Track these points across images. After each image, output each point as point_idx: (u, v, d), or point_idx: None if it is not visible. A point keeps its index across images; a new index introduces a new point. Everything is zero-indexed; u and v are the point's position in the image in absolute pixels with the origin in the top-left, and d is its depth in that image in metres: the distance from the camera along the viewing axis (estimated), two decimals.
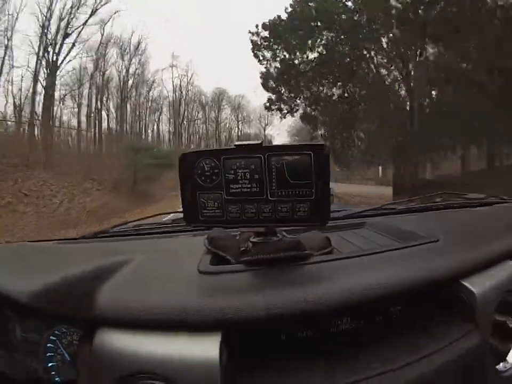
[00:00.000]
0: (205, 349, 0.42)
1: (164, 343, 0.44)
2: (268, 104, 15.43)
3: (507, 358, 0.54)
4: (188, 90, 35.59)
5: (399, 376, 0.46)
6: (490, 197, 1.18)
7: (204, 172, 0.54)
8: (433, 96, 11.94)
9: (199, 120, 38.75)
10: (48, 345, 0.56)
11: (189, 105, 36.69)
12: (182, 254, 0.71)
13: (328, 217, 0.54)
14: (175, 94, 34.53)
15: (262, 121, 47.64)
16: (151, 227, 1.03)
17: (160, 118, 32.09)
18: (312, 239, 0.65)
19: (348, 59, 12.72)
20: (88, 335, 0.48)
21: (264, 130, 48.14)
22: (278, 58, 14.18)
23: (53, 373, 0.55)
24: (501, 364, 0.54)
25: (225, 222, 0.55)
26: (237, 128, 45.32)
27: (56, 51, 16.58)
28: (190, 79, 35.15)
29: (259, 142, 0.52)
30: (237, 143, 0.54)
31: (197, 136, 39.84)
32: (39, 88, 15.90)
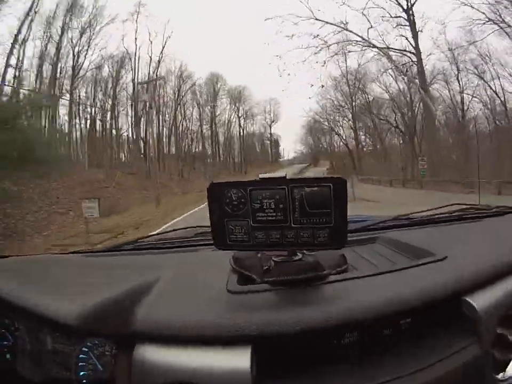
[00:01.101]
0: (237, 361, 0.48)
1: (200, 355, 0.49)
2: None
3: (507, 368, 0.58)
4: (162, 59, 26.00)
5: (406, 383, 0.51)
6: (501, 206, 1.19)
7: (232, 201, 0.58)
8: None
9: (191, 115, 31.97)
10: (81, 356, 0.59)
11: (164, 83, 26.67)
12: (209, 270, 0.76)
13: (345, 241, 0.59)
14: (138, 55, 24.59)
15: (267, 118, 41.53)
16: (174, 241, 1.06)
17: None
18: (329, 258, 0.70)
19: None
20: (126, 347, 0.53)
21: (270, 128, 42.02)
22: None
23: (84, 381, 0.58)
24: (501, 373, 0.57)
25: (252, 246, 0.60)
26: (237, 125, 38.37)
27: None
28: (165, 41, 25.81)
29: (283, 175, 0.58)
30: (261, 176, 0.59)
31: (186, 128, 32.42)
32: None
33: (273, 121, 43.51)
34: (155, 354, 0.51)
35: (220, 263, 0.73)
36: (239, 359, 0.48)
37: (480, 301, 0.58)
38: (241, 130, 41.51)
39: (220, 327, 0.51)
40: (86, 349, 0.59)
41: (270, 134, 45.25)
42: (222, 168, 35.43)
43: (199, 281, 0.70)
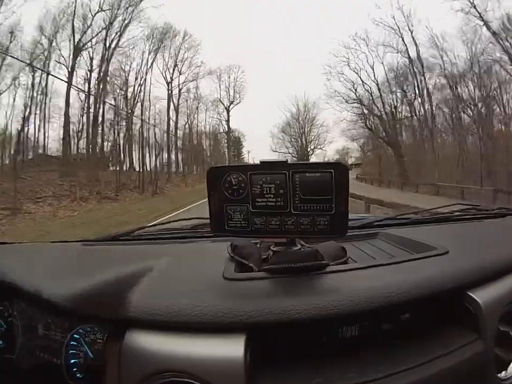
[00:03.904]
0: (230, 349, 0.46)
1: (191, 343, 0.48)
2: None
3: (509, 367, 0.57)
4: None
5: (404, 379, 0.49)
6: (503, 208, 1.19)
7: (232, 186, 0.58)
8: None
9: None
10: (72, 343, 0.58)
11: None
12: (205, 259, 0.75)
13: (346, 230, 0.57)
14: None
15: (223, 97, 24.90)
16: (172, 232, 1.05)
17: None
18: (328, 249, 0.68)
19: None
20: (117, 334, 0.51)
21: (228, 112, 25.01)
22: None
23: (74, 369, 0.57)
24: (503, 372, 0.57)
25: (250, 232, 0.59)
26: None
27: None
28: None
29: (284, 160, 0.57)
30: (262, 159, 0.58)
31: None
32: None
33: (233, 102, 25.88)
34: (145, 341, 0.49)
35: (217, 253, 0.72)
36: (232, 347, 0.47)
37: (483, 296, 0.57)
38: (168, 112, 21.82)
39: (213, 313, 0.49)
40: (77, 336, 0.58)
41: (228, 123, 25.81)
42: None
43: (195, 269, 0.69)
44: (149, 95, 22.40)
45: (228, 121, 26.35)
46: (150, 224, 1.16)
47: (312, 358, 0.52)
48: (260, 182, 0.57)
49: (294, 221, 0.57)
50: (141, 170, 20.36)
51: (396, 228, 0.98)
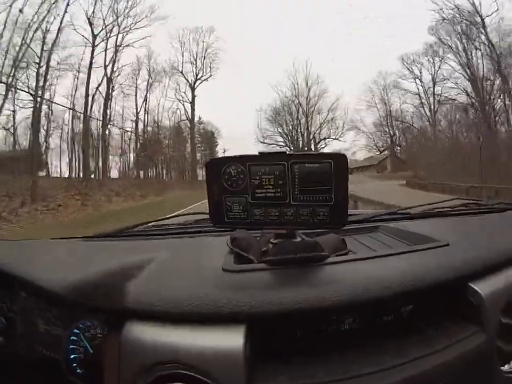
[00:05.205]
0: (230, 340, 0.46)
1: (191, 334, 0.47)
2: None
3: None
4: None
5: (407, 371, 0.49)
6: (502, 203, 1.19)
7: (231, 177, 0.58)
8: None
9: None
10: (72, 338, 0.58)
11: None
12: (205, 253, 0.75)
13: (346, 221, 0.58)
14: None
15: (188, 73, 17.06)
16: (173, 227, 1.06)
17: None
18: (329, 241, 0.68)
19: None
20: (116, 327, 0.51)
21: (193, 91, 17.05)
22: None
23: (74, 364, 0.57)
24: (506, 365, 0.56)
25: (250, 224, 0.59)
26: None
27: None
28: None
29: (283, 151, 0.57)
30: (261, 151, 0.58)
31: None
32: None
33: (200, 77, 18.19)
34: (144, 333, 0.49)
35: (218, 247, 0.72)
36: (232, 338, 0.46)
37: (485, 287, 0.57)
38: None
39: (213, 304, 0.49)
40: (77, 331, 0.58)
41: (192, 105, 17.59)
42: None
43: (194, 262, 0.69)
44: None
45: (192, 103, 18.02)
46: (152, 220, 1.15)
47: (314, 350, 0.51)
48: (259, 173, 0.57)
49: (294, 211, 0.57)
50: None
51: (397, 222, 0.98)
